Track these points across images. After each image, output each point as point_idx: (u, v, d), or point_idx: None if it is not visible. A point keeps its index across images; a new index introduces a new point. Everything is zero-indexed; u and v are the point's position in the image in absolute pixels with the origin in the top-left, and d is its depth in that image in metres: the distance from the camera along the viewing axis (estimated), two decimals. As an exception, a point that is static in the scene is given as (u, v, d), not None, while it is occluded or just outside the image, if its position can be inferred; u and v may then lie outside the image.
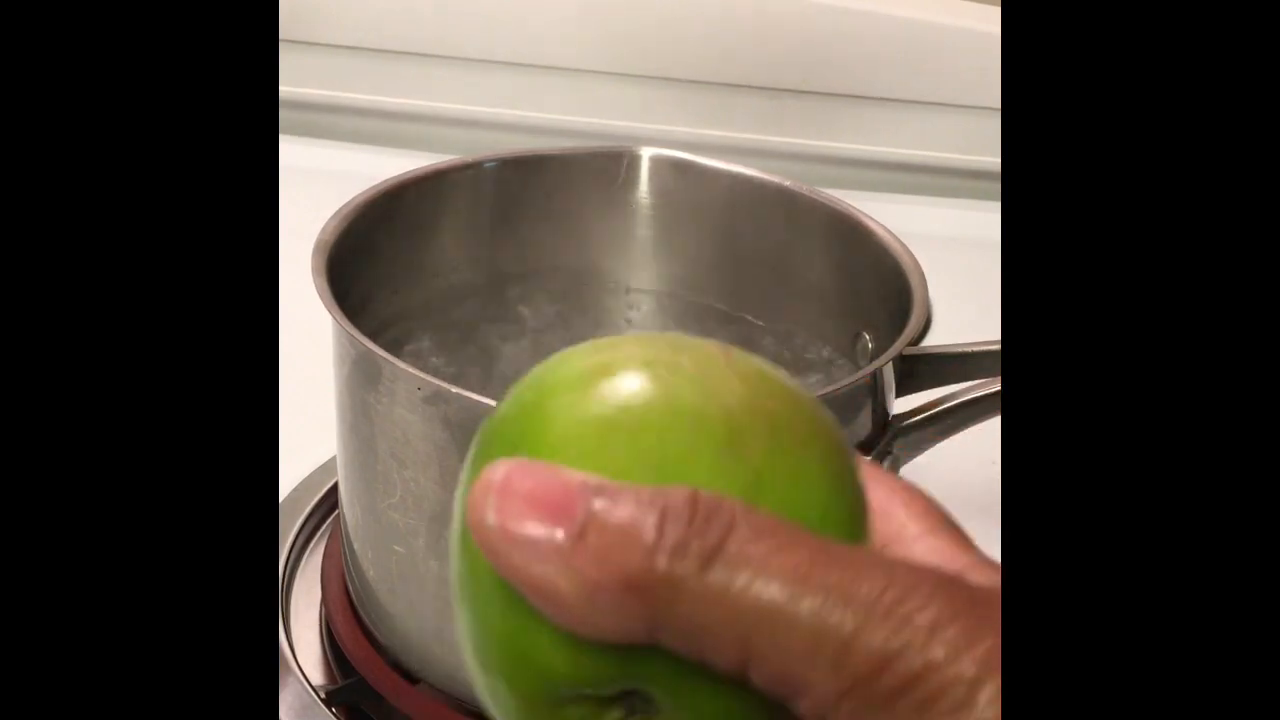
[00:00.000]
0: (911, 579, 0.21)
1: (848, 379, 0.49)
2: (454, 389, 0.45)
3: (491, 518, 0.22)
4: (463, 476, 0.26)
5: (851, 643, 0.21)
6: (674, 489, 0.22)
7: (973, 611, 0.21)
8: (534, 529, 0.22)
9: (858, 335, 0.56)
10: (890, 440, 0.52)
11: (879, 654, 0.21)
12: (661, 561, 0.21)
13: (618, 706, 0.23)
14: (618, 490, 0.22)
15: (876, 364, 0.48)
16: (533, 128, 0.95)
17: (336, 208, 0.53)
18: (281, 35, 0.87)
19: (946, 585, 0.22)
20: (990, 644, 0.21)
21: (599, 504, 0.22)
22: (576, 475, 0.22)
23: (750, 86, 0.95)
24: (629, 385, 0.24)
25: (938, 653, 0.21)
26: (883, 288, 0.53)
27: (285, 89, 0.90)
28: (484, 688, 0.25)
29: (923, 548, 0.26)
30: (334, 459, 0.54)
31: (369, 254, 0.54)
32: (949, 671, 0.20)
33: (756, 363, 0.26)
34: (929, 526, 0.26)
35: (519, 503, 0.22)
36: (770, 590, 0.21)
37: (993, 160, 0.92)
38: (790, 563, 0.21)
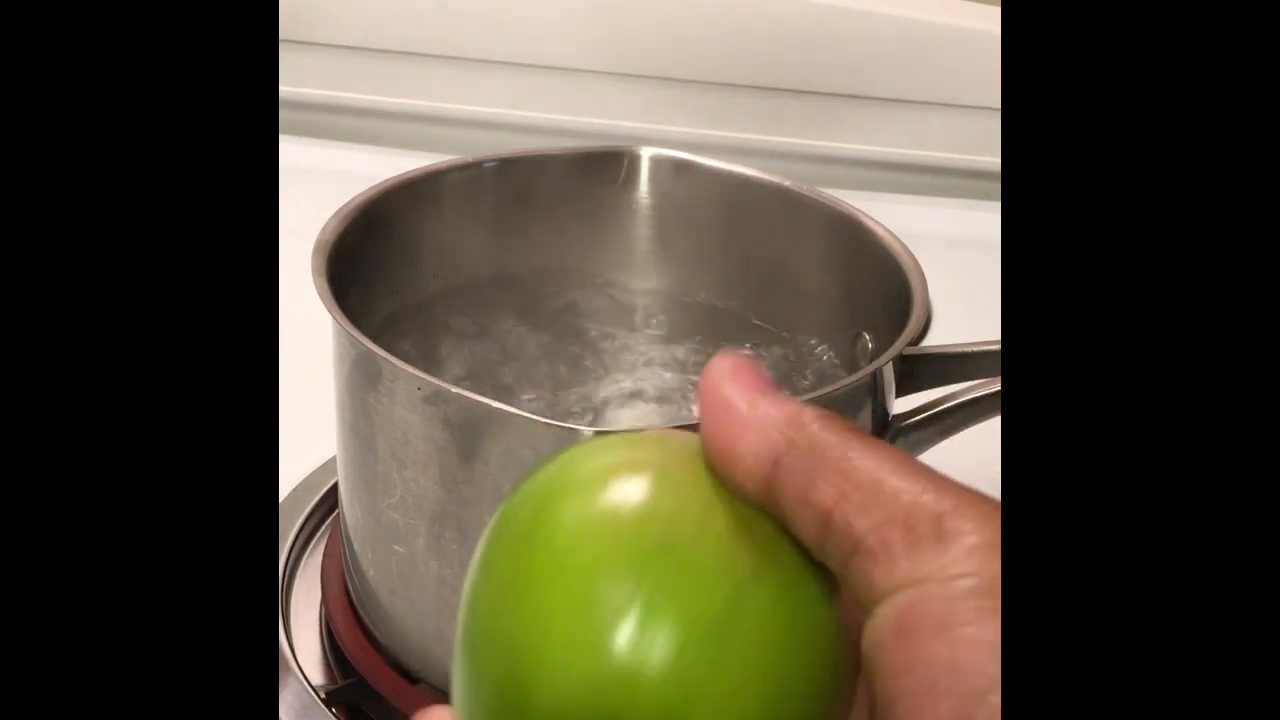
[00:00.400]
0: (968, 488, 0.25)
1: (848, 379, 0.49)
2: (454, 389, 0.45)
3: (721, 364, 0.28)
4: (477, 554, 0.28)
5: (923, 493, 0.25)
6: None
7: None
8: (741, 373, 0.28)
9: (858, 335, 0.56)
10: (890, 440, 0.52)
11: (940, 508, 0.25)
12: (811, 417, 0.27)
13: None
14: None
15: (876, 364, 0.48)
16: (533, 128, 0.95)
17: (336, 208, 0.53)
18: (281, 35, 0.87)
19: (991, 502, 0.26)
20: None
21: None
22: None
23: (750, 86, 0.95)
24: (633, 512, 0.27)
25: (987, 531, 0.24)
26: (883, 288, 0.53)
27: (285, 89, 0.90)
28: None
29: None
30: (334, 459, 0.54)
31: (369, 254, 0.54)
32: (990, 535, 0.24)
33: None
34: None
35: (742, 365, 0.28)
36: (876, 452, 0.26)
37: (993, 160, 0.92)
38: (889, 451, 0.26)
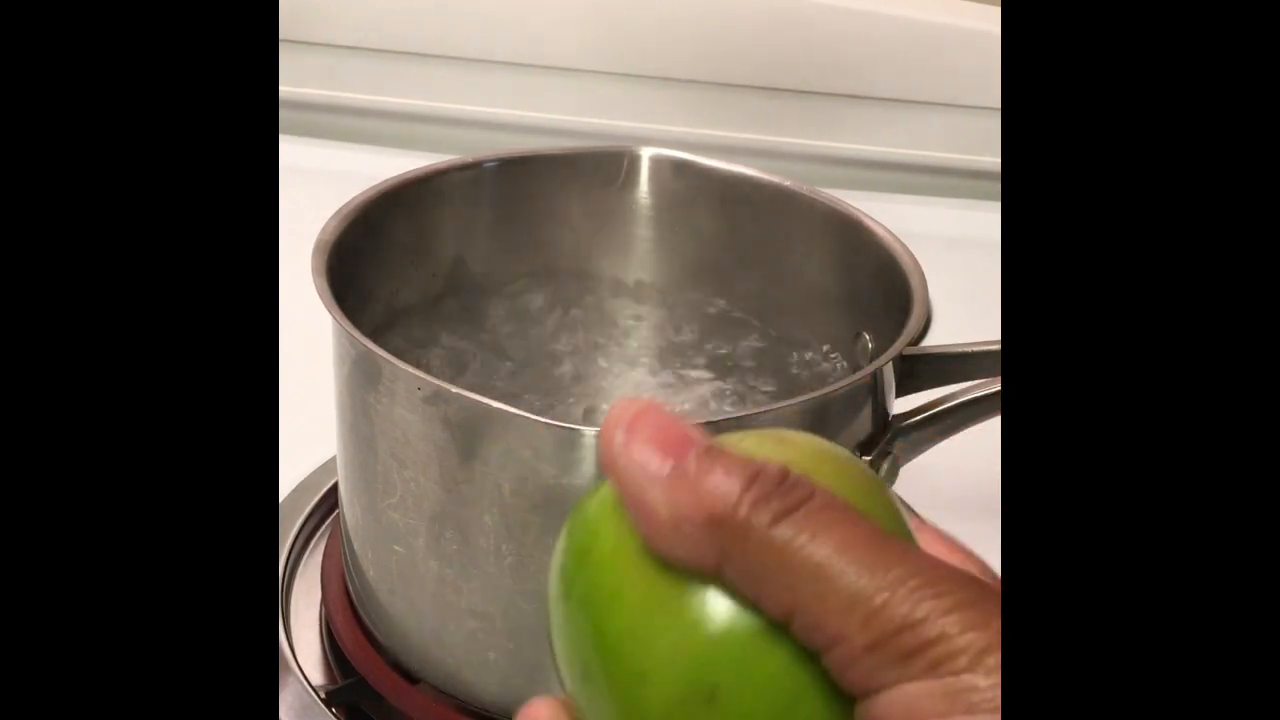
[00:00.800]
0: (940, 572, 0.25)
1: (848, 379, 0.49)
2: (454, 389, 0.45)
3: (620, 437, 0.26)
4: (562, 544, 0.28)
5: (881, 608, 0.24)
6: (769, 464, 0.26)
7: (987, 603, 0.24)
8: (650, 456, 0.26)
9: (858, 335, 0.56)
10: (890, 440, 0.52)
11: (902, 620, 0.24)
12: (743, 509, 0.25)
13: None
14: (724, 451, 0.26)
15: (876, 364, 0.48)
16: (533, 128, 0.95)
17: (336, 208, 0.53)
18: (281, 35, 0.87)
19: (968, 581, 0.25)
20: (999, 626, 0.24)
21: (706, 455, 0.26)
22: (694, 429, 0.27)
23: (750, 86, 0.95)
24: None
25: (953, 627, 0.24)
26: (883, 288, 0.53)
27: (285, 89, 0.90)
28: None
29: None
30: (334, 459, 0.54)
31: (369, 254, 0.54)
32: (959, 641, 0.24)
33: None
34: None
35: (645, 431, 0.26)
36: (823, 553, 0.24)
37: (993, 160, 0.92)
38: (846, 536, 0.25)
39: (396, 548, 0.49)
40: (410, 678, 0.52)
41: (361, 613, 0.54)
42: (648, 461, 0.26)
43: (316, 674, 0.54)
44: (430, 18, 0.94)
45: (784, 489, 0.25)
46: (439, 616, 0.49)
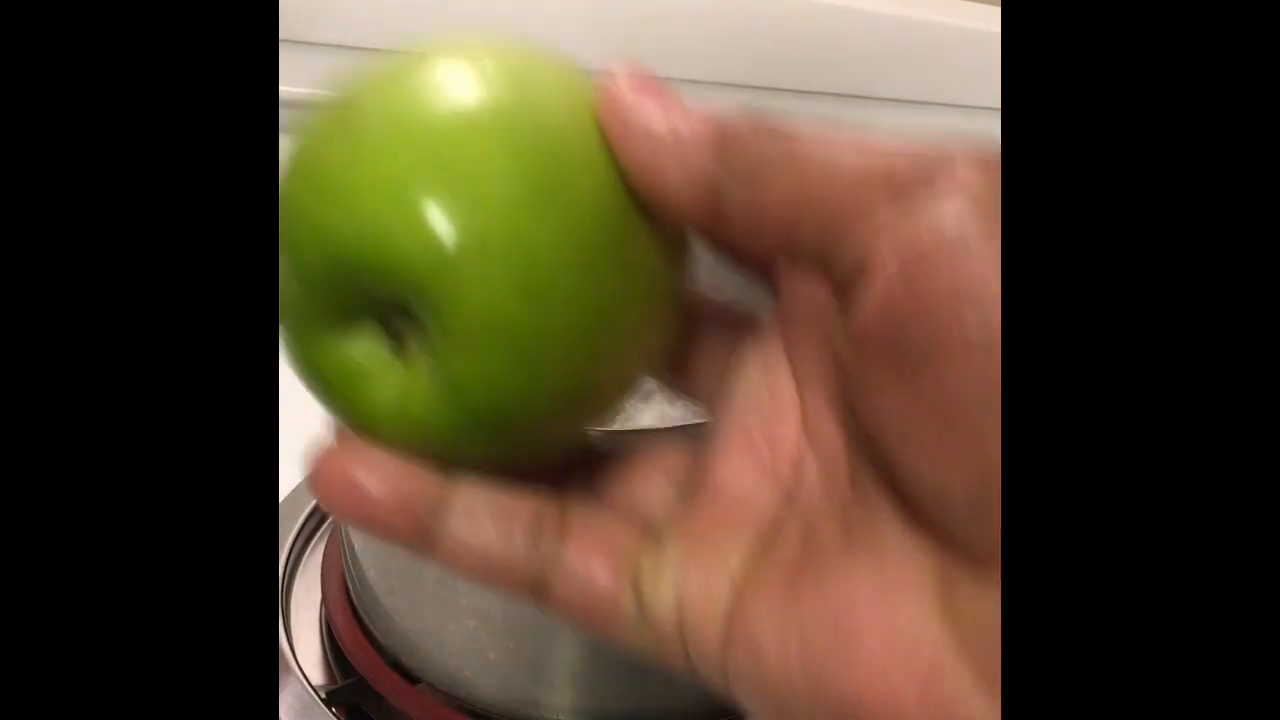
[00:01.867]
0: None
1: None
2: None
3: (630, 82, 0.27)
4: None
5: (894, 159, 0.24)
6: None
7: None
8: (652, 98, 0.27)
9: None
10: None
11: (920, 156, 0.24)
12: (743, 124, 0.25)
13: (376, 333, 0.28)
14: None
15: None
16: (532, 128, 0.95)
17: (336, 208, 0.53)
18: (281, 35, 0.87)
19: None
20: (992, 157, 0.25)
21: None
22: None
23: (750, 86, 0.95)
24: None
25: (962, 152, 0.25)
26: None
27: (285, 89, 0.90)
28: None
29: None
30: (334, 459, 0.54)
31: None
32: (968, 167, 0.25)
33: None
34: None
35: (653, 86, 0.27)
36: (821, 141, 0.25)
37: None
38: (832, 132, 0.25)
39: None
40: (410, 678, 0.52)
41: (361, 613, 0.54)
42: (650, 101, 0.26)
43: (316, 674, 0.54)
44: (430, 18, 0.94)
45: (773, 117, 0.26)
46: (439, 616, 0.49)
